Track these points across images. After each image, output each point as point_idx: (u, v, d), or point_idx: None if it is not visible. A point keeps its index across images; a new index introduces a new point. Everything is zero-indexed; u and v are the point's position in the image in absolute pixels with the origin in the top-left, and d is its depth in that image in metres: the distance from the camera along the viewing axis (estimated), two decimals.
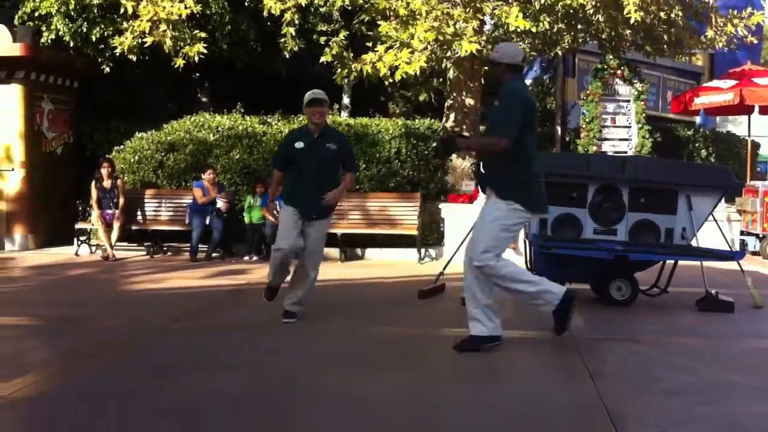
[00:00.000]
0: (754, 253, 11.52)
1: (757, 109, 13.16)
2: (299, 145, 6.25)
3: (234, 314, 7.08)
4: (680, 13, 10.56)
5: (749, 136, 13.60)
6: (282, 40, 11.03)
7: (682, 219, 7.20)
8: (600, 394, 4.36)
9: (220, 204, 10.67)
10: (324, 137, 6.25)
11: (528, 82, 18.46)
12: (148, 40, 10.26)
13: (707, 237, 8.14)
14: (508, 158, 5.19)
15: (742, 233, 11.87)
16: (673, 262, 7.44)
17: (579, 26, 11.33)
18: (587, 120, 12.58)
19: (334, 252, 10.82)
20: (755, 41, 11.65)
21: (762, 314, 7.04)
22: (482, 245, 5.21)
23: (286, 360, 5.23)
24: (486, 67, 12.29)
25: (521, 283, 5.34)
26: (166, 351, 5.53)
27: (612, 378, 4.78)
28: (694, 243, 7.32)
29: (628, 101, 12.62)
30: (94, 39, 11.66)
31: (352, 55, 10.80)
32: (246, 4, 12.66)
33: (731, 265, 7.59)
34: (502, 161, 5.24)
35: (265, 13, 10.73)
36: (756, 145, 15.69)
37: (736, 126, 19.90)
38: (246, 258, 10.65)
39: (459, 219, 10.38)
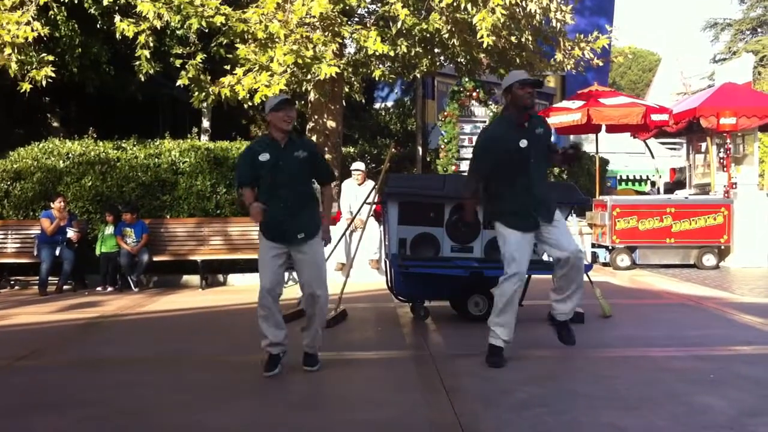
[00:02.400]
0: (605, 264, 12.09)
1: (604, 127, 13.86)
2: (264, 157, 5.34)
3: (85, 349, 6.73)
4: (530, 38, 11.00)
5: (597, 153, 14.30)
6: (137, 63, 10.72)
7: None
8: (455, 411, 4.42)
9: (71, 234, 10.23)
10: (292, 145, 5.39)
11: (389, 104, 18.81)
12: None
13: None
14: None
15: (593, 246, 12.43)
16: (526, 276, 7.67)
17: (436, 50, 11.61)
18: (446, 140, 12.90)
19: (194, 279, 10.59)
20: (601, 63, 12.26)
21: (610, 323, 7.38)
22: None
23: (138, 394, 5.02)
24: (346, 89, 12.44)
25: None
26: (8, 390, 5.20)
27: (467, 394, 4.85)
28: (545, 257, 7.58)
29: (484, 122, 13.03)
30: None
31: (209, 78, 10.65)
32: (98, 26, 12.26)
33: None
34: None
35: (118, 36, 10.39)
36: (605, 162, 16.51)
37: (589, 143, 20.90)
38: (99, 289, 10.25)
39: None
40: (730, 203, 11.75)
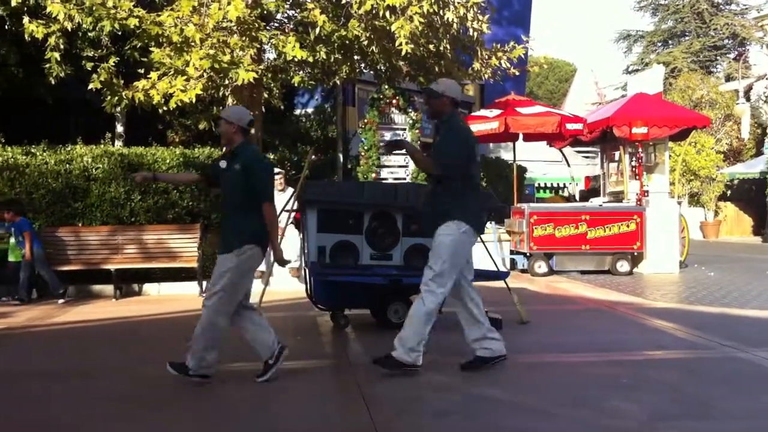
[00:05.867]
0: (523, 271, 12.27)
1: (521, 136, 14.09)
2: (222, 164, 5.51)
3: None
4: (448, 47, 11.07)
5: (515, 161, 14.52)
6: (47, 65, 10.37)
7: None
8: (372, 418, 4.38)
9: None
10: (235, 158, 5.43)
11: (310, 110, 18.70)
12: None
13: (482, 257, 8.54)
14: (451, 187, 5.47)
15: (512, 252, 12.61)
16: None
17: (355, 57, 11.58)
18: (366, 148, 12.88)
19: (108, 289, 10.28)
20: (518, 73, 12.44)
21: (527, 329, 7.47)
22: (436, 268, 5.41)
23: (45, 407, 4.83)
24: (266, 95, 12.30)
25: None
26: None
27: (385, 401, 4.83)
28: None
29: (404, 129, 13.07)
30: None
31: (122, 81, 10.37)
32: (6, 27, 11.81)
33: (501, 283, 8.01)
34: (446, 191, 5.49)
35: (27, 37, 10.03)
36: (522, 170, 16.77)
37: (507, 152, 21.21)
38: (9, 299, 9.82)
39: None
40: (642, 211, 12.09)
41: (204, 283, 10.59)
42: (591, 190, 18.21)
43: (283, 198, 10.02)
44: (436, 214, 5.54)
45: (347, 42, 10.38)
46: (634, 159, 13.00)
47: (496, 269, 8.61)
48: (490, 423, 4.35)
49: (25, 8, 10.06)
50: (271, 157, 13.28)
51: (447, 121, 5.68)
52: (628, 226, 11.98)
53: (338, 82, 12.26)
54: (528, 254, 12.05)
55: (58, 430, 4.39)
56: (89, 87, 10.22)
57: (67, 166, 10.89)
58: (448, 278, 5.43)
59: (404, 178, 12.87)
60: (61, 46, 10.07)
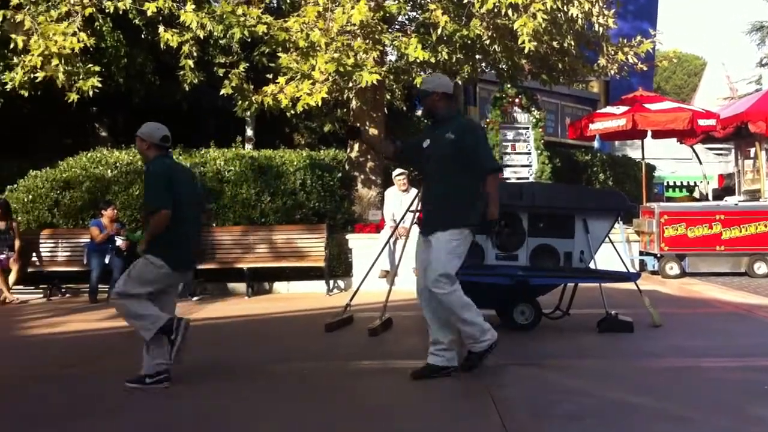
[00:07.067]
0: (653, 273, 11.88)
1: (650, 133, 13.65)
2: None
3: (134, 357, 6.76)
4: (573, 43, 10.89)
5: (644, 159, 14.09)
6: (181, 72, 10.88)
7: (579, 242, 7.33)
8: (503, 421, 4.35)
9: (120, 242, 10.36)
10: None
11: None
12: (40, 74, 9.88)
13: (611, 258, 8.35)
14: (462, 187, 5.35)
15: (641, 253, 12.23)
16: (573, 284, 7.58)
17: (477, 56, 11.55)
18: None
19: (240, 287, 10.65)
20: (645, 68, 12.08)
21: (660, 333, 7.22)
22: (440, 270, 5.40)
23: (186, 403, 5.04)
24: (388, 96, 12.45)
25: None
26: (57, 398, 5.25)
27: (515, 404, 4.78)
28: (592, 265, 7.47)
29: (527, 128, 12.90)
30: None
31: (252, 86, 10.73)
32: (142, 36, 12.44)
33: (631, 285, 7.78)
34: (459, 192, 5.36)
35: (162, 46, 10.56)
36: (651, 168, 16.23)
37: (634, 150, 20.60)
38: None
39: (366, 249, 10.38)
40: None
41: (331, 282, 10.83)
42: (725, 189, 17.40)
43: (407, 198, 10.11)
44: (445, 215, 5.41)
45: (469, 41, 10.38)
46: None
47: (626, 270, 8.37)
48: (628, 428, 4.23)
49: (160, 18, 10.57)
50: None
51: (454, 118, 5.52)
52: (766, 226, 11.40)
53: (460, 82, 12.27)
54: (658, 255, 11.65)
55: (194, 426, 4.57)
56: (221, 93, 10.65)
57: (202, 168, 11.36)
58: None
59: (527, 178, 12.71)
60: (194, 54, 10.53)
